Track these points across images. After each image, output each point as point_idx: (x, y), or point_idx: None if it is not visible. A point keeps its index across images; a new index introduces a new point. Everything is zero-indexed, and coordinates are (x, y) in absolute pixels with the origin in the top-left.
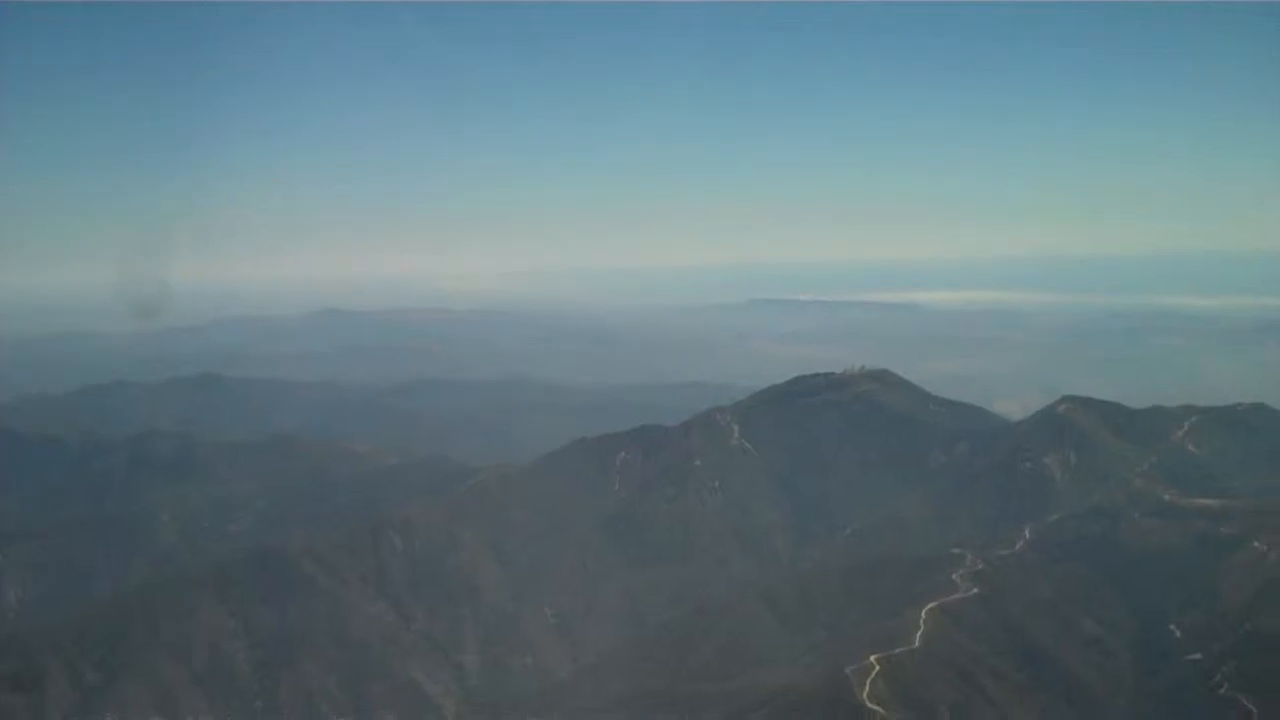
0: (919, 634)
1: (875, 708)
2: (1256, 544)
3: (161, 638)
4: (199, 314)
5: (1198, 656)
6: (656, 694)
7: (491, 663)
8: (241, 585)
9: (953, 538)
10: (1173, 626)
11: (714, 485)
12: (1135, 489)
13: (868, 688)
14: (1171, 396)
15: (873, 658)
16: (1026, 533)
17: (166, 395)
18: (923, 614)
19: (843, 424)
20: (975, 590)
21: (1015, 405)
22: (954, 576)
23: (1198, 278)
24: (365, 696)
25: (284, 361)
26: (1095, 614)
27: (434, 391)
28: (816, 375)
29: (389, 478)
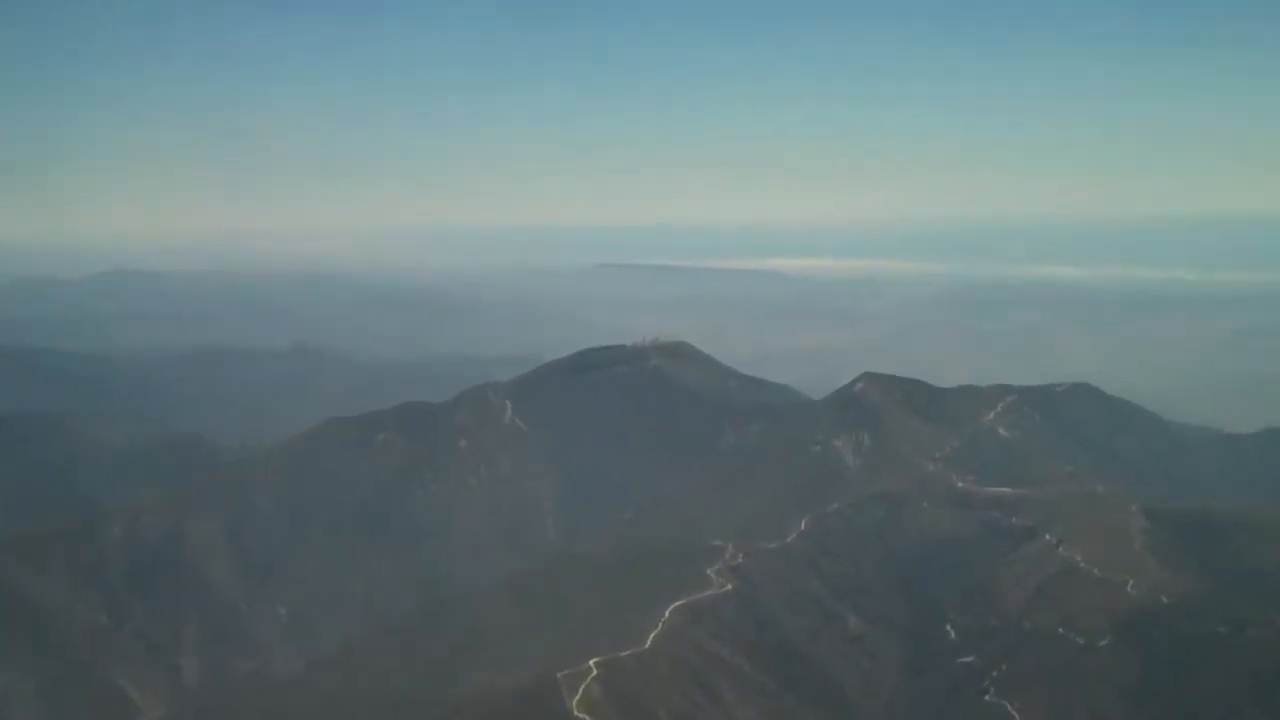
0: (653, 634)
1: (583, 716)
2: (1048, 536)
3: None
4: None
5: (970, 659)
6: (367, 697)
7: (213, 666)
8: None
9: (734, 525)
10: (948, 626)
11: (479, 468)
12: (927, 475)
13: (579, 694)
14: (1018, 374)
15: (592, 661)
16: (803, 522)
17: None
18: (666, 612)
19: (629, 401)
20: (729, 586)
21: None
22: (709, 571)
23: (1073, 246)
24: (60, 704)
25: (55, 327)
26: (865, 610)
27: (215, 363)
28: (605, 348)
29: (131, 460)
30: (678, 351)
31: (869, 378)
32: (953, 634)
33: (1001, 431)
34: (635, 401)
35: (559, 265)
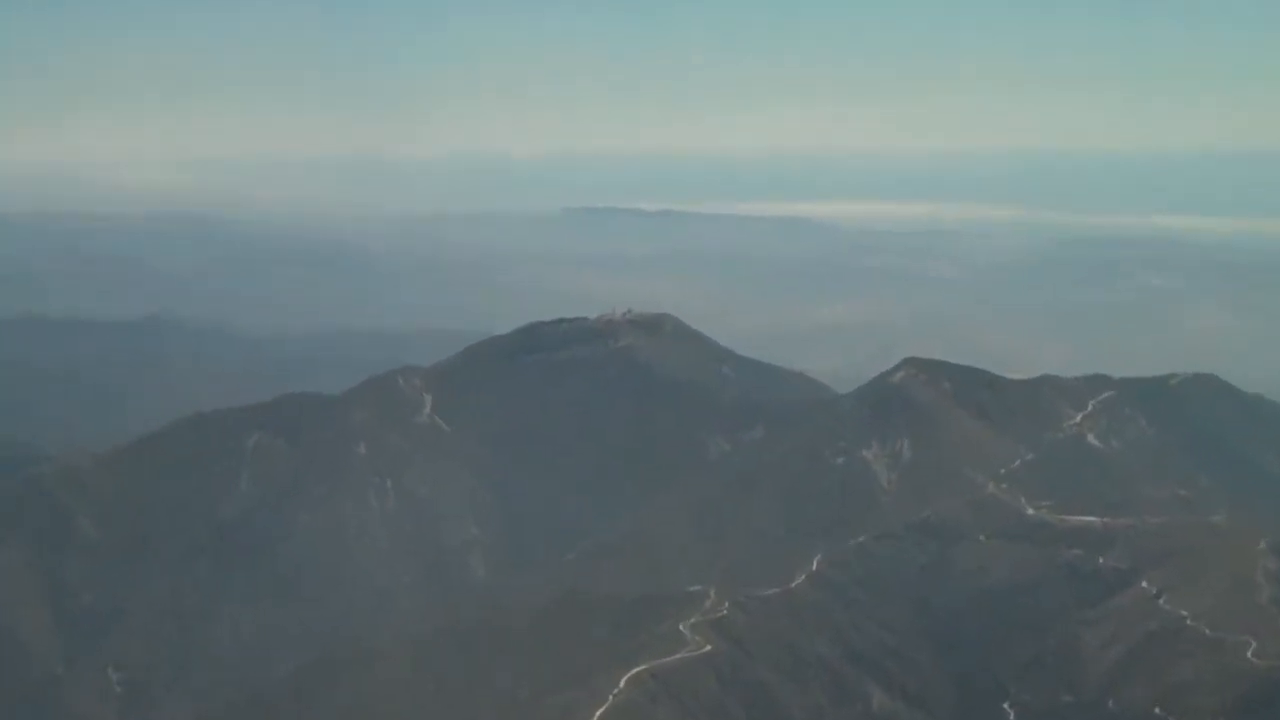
0: (600, 713)
1: None
2: (1146, 583)
3: None
4: None
5: None
6: None
7: None
8: None
9: (722, 565)
10: (1007, 705)
11: (385, 483)
12: (986, 498)
13: None
14: (1128, 362)
15: None
16: (815, 561)
17: None
18: (621, 682)
19: (589, 395)
20: (709, 647)
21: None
22: (682, 627)
23: (1214, 188)
24: None
25: None
26: (894, 683)
27: (32, 338)
28: (560, 323)
29: None
30: (658, 327)
31: (913, 364)
32: (1013, 715)
33: (1092, 440)
34: (597, 396)
35: (512, 210)
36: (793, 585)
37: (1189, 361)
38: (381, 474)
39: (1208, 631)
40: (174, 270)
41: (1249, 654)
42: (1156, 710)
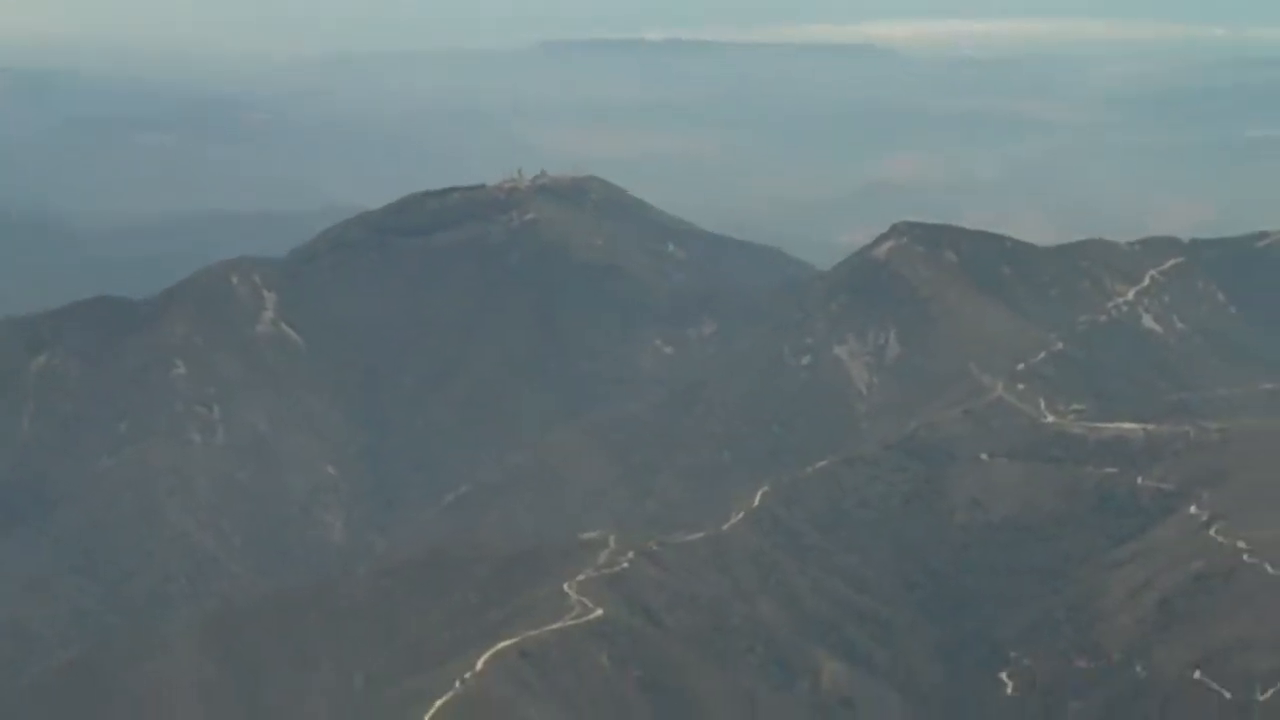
0: (442, 702)
1: None
2: (1194, 509)
3: None
4: None
5: None
6: None
7: None
8: None
9: (643, 506)
10: (1004, 675)
11: (211, 414)
12: (994, 404)
13: None
14: None
15: None
16: (758, 495)
17: None
18: (479, 663)
19: (482, 289)
20: (599, 613)
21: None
22: (567, 587)
23: None
24: None
25: None
26: (855, 650)
27: None
28: (448, 192)
29: None
30: (580, 196)
31: (906, 231)
32: (1010, 687)
33: (1149, 322)
34: (493, 290)
35: (475, 47)
36: (725, 527)
37: None
38: (207, 403)
39: (1270, 570)
40: (38, 140)
41: None
42: (1197, 675)
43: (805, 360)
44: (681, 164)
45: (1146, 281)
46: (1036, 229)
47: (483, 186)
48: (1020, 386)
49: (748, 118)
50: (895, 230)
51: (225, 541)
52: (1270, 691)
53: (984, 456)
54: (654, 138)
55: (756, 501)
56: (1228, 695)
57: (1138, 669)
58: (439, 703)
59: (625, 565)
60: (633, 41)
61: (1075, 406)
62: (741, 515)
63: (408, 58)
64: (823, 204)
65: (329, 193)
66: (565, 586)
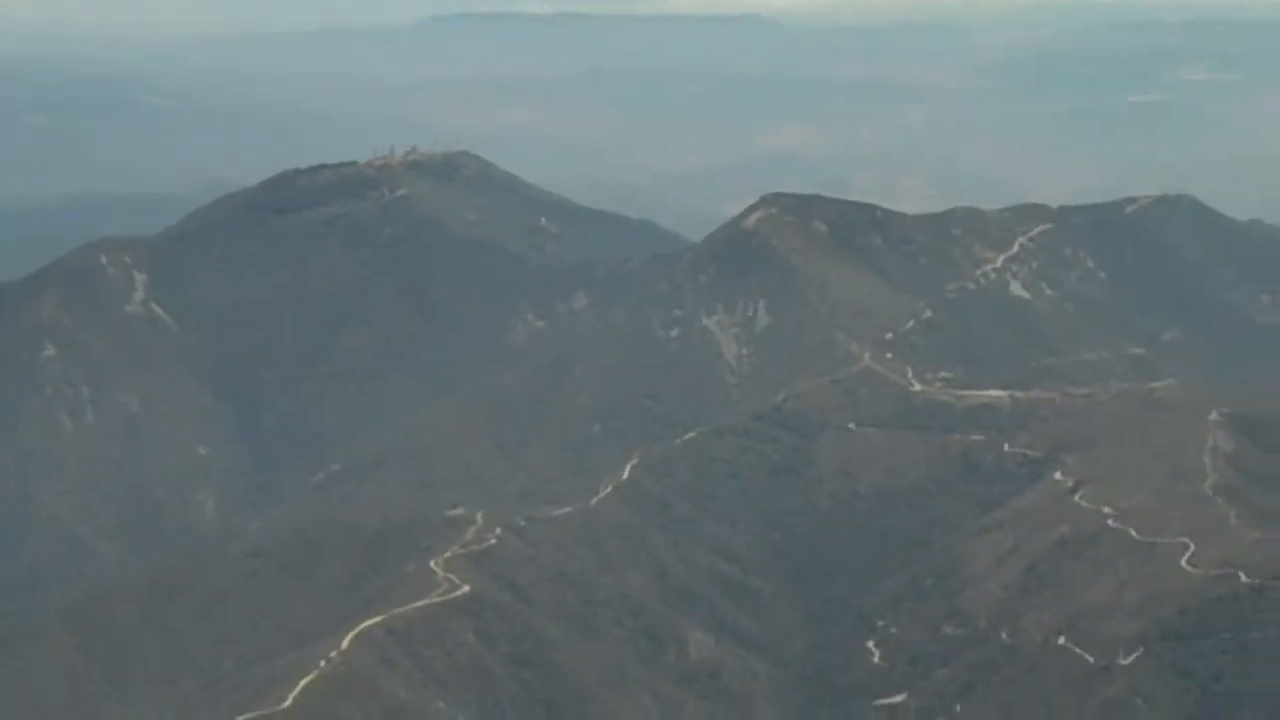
0: (302, 685)
1: None
2: (1059, 475)
3: None
4: None
5: (900, 698)
6: None
7: None
8: None
9: (513, 480)
10: (871, 644)
11: (80, 395)
12: (862, 373)
13: None
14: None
15: None
16: (627, 467)
17: None
18: (345, 641)
19: (355, 265)
20: (465, 589)
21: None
22: (434, 564)
23: None
24: None
25: None
26: (722, 620)
27: None
28: (320, 169)
29: None
30: (453, 171)
31: (775, 201)
32: (877, 655)
33: (1017, 289)
34: (366, 266)
35: (360, 22)
36: (594, 501)
37: (1229, 179)
38: (76, 384)
39: (1134, 534)
40: None
41: (1184, 561)
42: (1061, 641)
43: (675, 332)
44: (563, 138)
45: (1015, 248)
46: (921, 197)
47: (354, 163)
48: (888, 355)
49: (631, 90)
50: (764, 201)
51: (97, 524)
52: (1133, 656)
53: (852, 426)
54: (537, 112)
55: (625, 474)
56: (1091, 660)
57: (1003, 635)
58: (304, 681)
59: (493, 541)
60: (517, 15)
61: (943, 375)
62: (610, 488)
63: (302, 37)
64: (706, 176)
65: (214, 172)
66: (432, 564)
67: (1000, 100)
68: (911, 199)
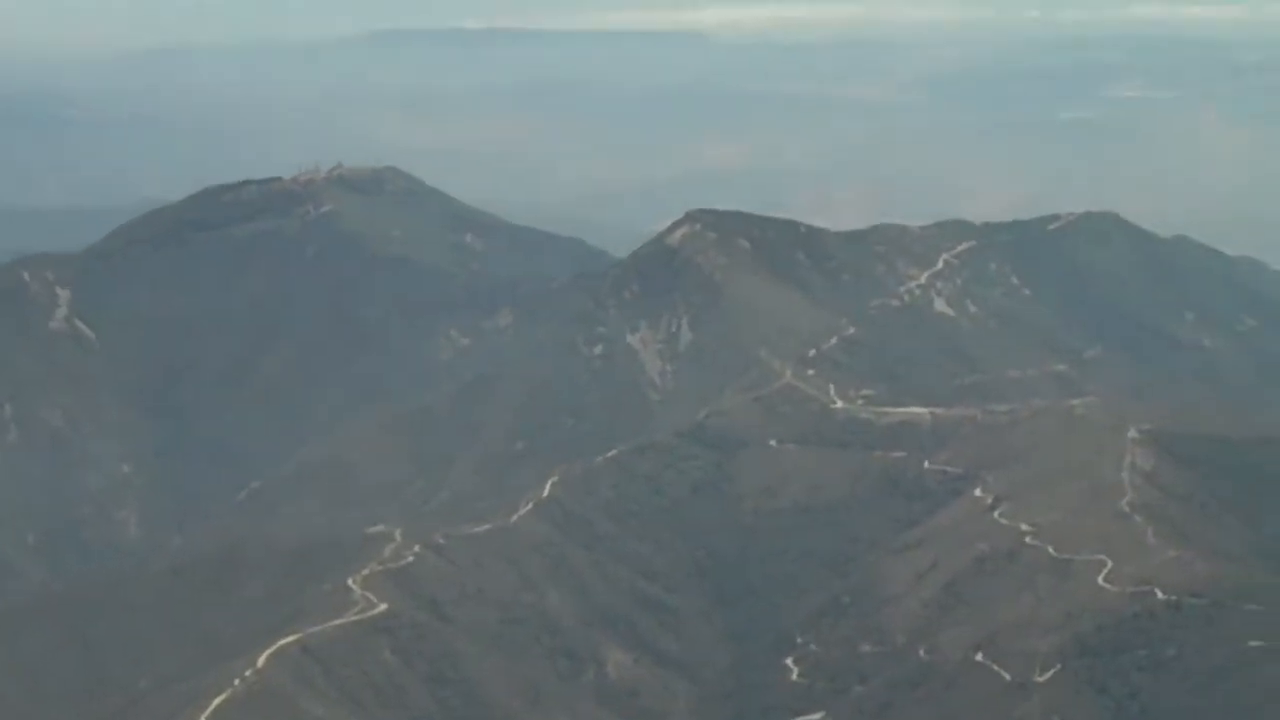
0: (220, 700)
1: None
2: (979, 492)
3: None
4: None
5: (817, 716)
6: None
7: None
8: None
9: (433, 497)
10: (790, 660)
11: (6, 411)
12: (783, 390)
13: None
14: (1100, 201)
15: None
16: (548, 484)
17: None
18: (260, 659)
19: (278, 282)
20: (383, 607)
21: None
22: (351, 582)
23: None
24: None
25: None
26: (642, 638)
27: None
28: (244, 185)
29: None
30: (376, 187)
31: (698, 218)
32: (796, 673)
33: (941, 306)
34: (289, 282)
35: (295, 37)
36: (514, 519)
37: (1158, 196)
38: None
39: (1052, 551)
40: None
41: (1100, 578)
42: (979, 658)
43: (598, 349)
44: (494, 154)
45: (939, 265)
46: (854, 213)
47: (279, 179)
48: (810, 372)
49: (564, 106)
50: (689, 217)
51: (18, 540)
52: (1049, 673)
53: (773, 443)
54: (470, 127)
55: (546, 492)
56: (1008, 677)
57: (921, 652)
58: (218, 700)
59: (411, 559)
60: (454, 31)
61: (865, 391)
62: (530, 506)
63: (238, 50)
64: (636, 192)
65: (143, 188)
66: (350, 581)
67: (934, 117)
68: (844, 214)
